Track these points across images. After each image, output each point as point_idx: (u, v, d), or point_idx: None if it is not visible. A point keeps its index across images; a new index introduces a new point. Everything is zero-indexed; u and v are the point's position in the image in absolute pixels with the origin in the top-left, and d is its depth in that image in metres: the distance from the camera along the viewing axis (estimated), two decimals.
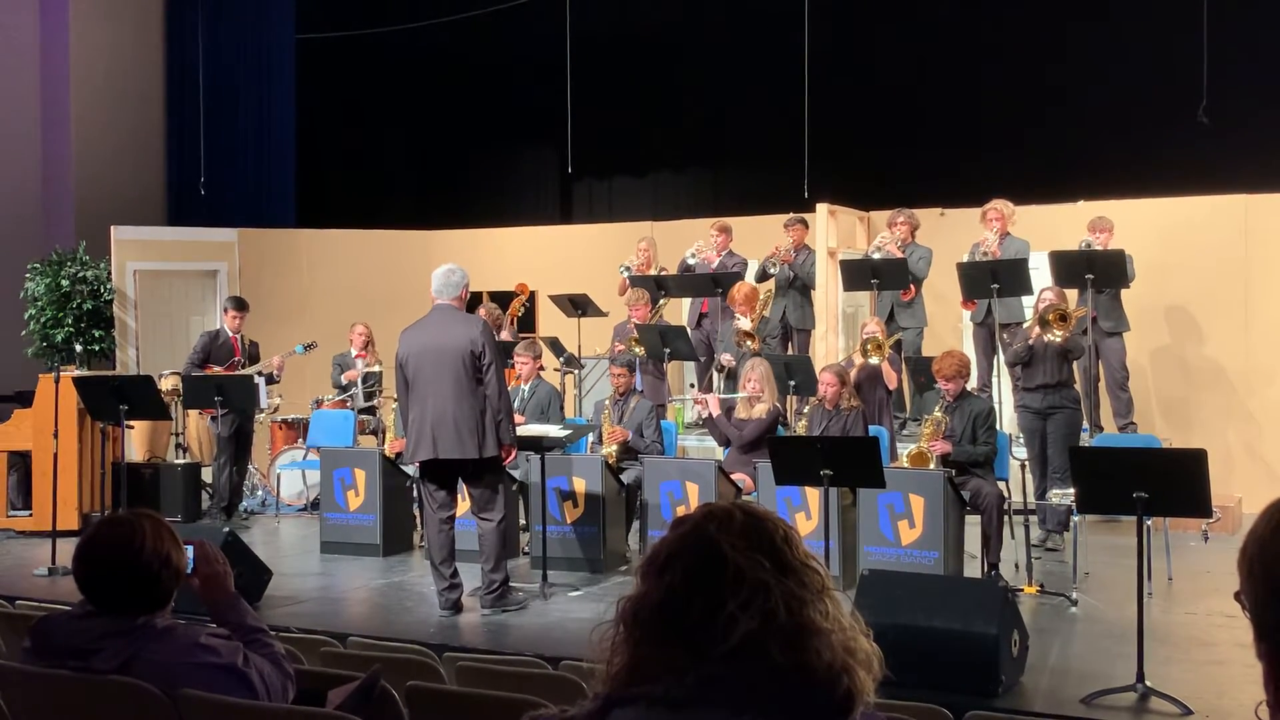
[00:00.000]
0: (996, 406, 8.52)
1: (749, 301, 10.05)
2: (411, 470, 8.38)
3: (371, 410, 10.99)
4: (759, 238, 11.05)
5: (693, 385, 11.25)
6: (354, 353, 11.13)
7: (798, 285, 10.70)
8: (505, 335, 10.45)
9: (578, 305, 11.03)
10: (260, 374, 10.23)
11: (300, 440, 10.97)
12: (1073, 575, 7.48)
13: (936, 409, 7.88)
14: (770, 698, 1.57)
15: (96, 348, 13.06)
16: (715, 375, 10.29)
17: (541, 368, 9.41)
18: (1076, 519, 7.56)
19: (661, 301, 10.81)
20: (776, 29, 12.40)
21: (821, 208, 11.09)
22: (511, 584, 7.15)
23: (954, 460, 7.68)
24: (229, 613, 3.21)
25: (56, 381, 8.78)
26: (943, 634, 5.32)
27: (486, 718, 3.51)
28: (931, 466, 7.60)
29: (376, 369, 11.01)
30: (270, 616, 6.60)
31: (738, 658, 1.58)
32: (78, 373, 10.25)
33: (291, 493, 10.85)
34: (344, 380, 11.04)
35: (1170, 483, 5.56)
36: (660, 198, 14.52)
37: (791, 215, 10.91)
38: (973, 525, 7.69)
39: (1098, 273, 9.10)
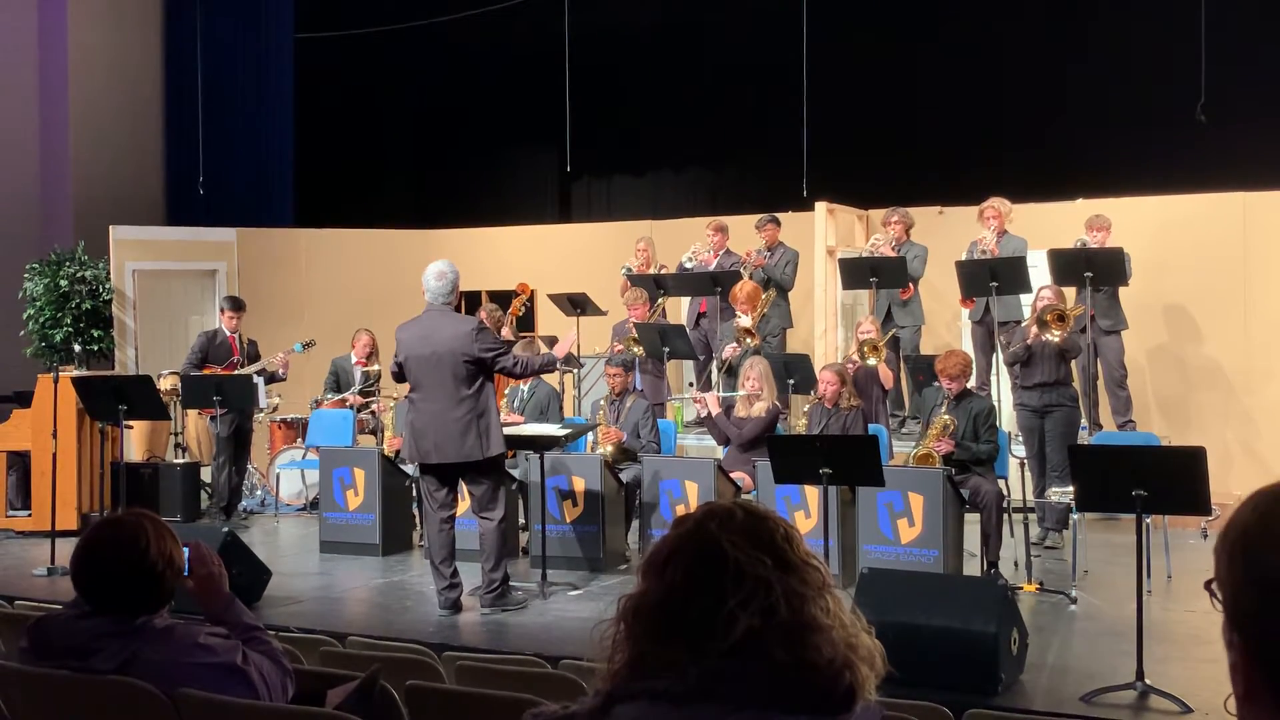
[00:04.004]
0: (995, 404, 8.52)
1: (751, 300, 10.05)
2: (411, 470, 8.38)
3: (371, 411, 11.00)
4: (759, 236, 11.03)
5: (692, 384, 11.25)
6: (354, 358, 11.11)
7: (774, 286, 10.65)
8: (506, 334, 10.45)
9: (577, 304, 11.03)
10: (260, 373, 10.22)
11: (299, 440, 10.97)
12: (1072, 573, 7.49)
13: (943, 410, 7.86)
14: (772, 693, 1.58)
15: (95, 348, 13.06)
16: (715, 373, 10.29)
17: None
18: (1075, 517, 7.57)
19: (660, 300, 10.81)
20: (775, 27, 12.40)
21: (820, 206, 11.09)
22: (511, 583, 7.15)
23: (956, 459, 7.69)
24: (225, 613, 3.21)
25: (55, 381, 8.78)
26: (942, 632, 5.32)
27: (486, 717, 3.50)
28: (937, 466, 7.60)
29: (375, 368, 11.00)
30: (270, 616, 6.60)
31: (739, 654, 1.58)
32: (76, 373, 10.24)
33: (291, 492, 10.85)
34: (347, 402, 10.93)
35: (1169, 480, 5.56)
36: (659, 197, 14.52)
37: (762, 216, 10.90)
38: (972, 523, 7.69)
39: (1096, 271, 9.10)
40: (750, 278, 10.49)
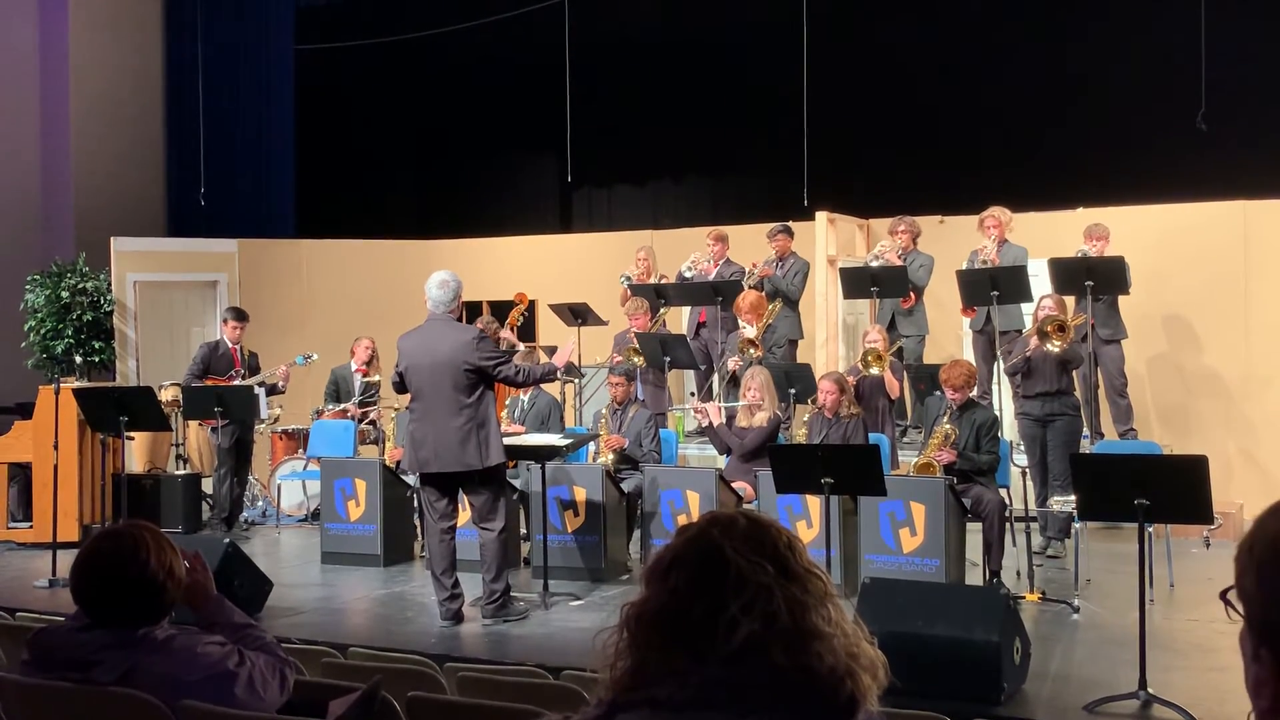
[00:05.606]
0: (997, 414, 8.53)
1: (755, 310, 10.04)
2: (412, 480, 8.38)
3: (372, 421, 11.00)
4: (759, 246, 11.04)
5: (693, 394, 11.24)
6: (354, 366, 11.11)
7: (780, 297, 10.63)
8: (504, 344, 10.45)
9: (578, 314, 11.03)
10: (261, 384, 10.22)
11: (300, 450, 10.97)
12: (1074, 582, 7.47)
13: (945, 419, 7.86)
14: (773, 700, 1.58)
15: (97, 359, 13.06)
16: (717, 383, 10.29)
17: None
18: (1078, 526, 7.56)
19: (662, 310, 10.80)
20: (775, 37, 12.42)
21: (821, 216, 11.09)
22: (513, 594, 7.14)
23: (957, 469, 7.68)
24: (216, 615, 3.21)
25: (57, 393, 8.77)
26: (945, 642, 5.31)
27: None
28: (938, 475, 7.60)
29: (375, 378, 11.01)
30: (271, 627, 6.54)
31: (740, 660, 1.58)
32: (78, 384, 10.24)
33: (292, 503, 10.84)
34: (348, 413, 10.93)
35: (1171, 489, 5.56)
36: (660, 206, 14.54)
37: (774, 225, 10.88)
38: (974, 533, 7.69)
39: (1097, 280, 9.11)
40: (759, 288, 10.49)
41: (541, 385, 9.20)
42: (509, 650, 6.40)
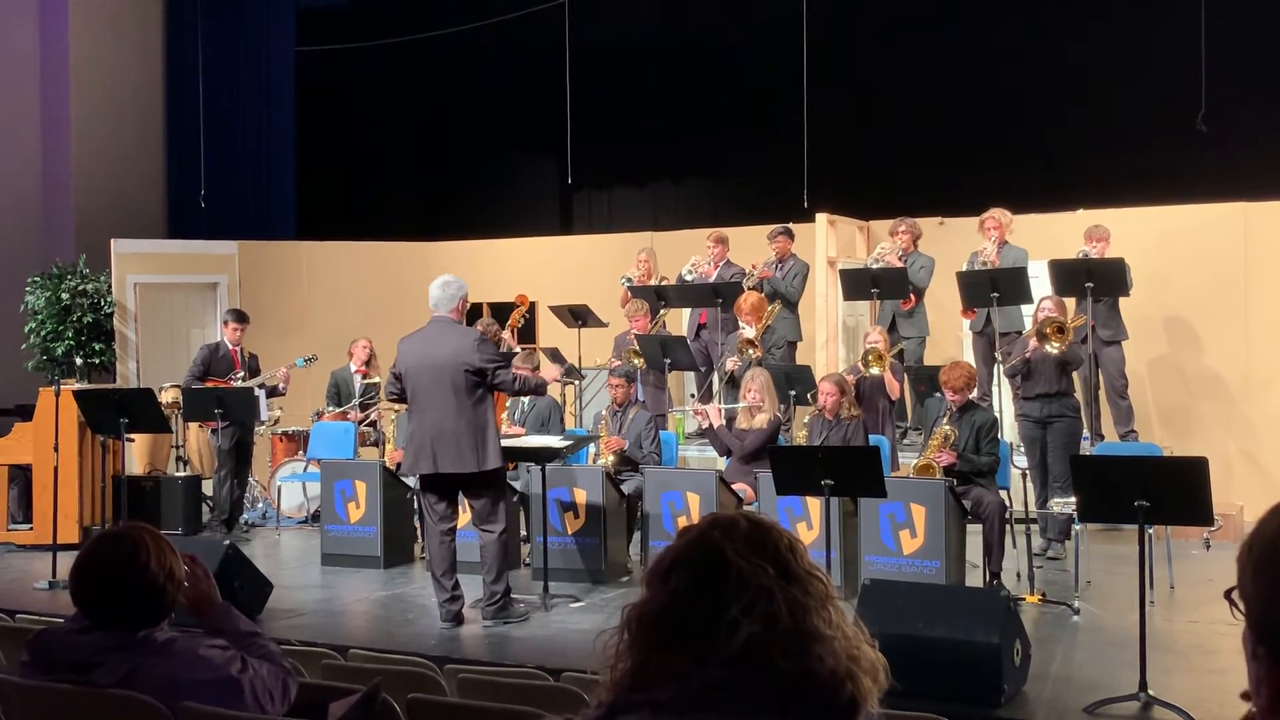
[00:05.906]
0: (997, 415, 8.53)
1: (756, 311, 10.04)
2: (412, 482, 8.38)
3: (372, 423, 11.00)
4: (760, 248, 11.04)
5: (693, 395, 11.24)
6: (353, 367, 11.12)
7: (779, 298, 10.61)
8: (503, 346, 10.44)
9: (578, 316, 11.03)
10: (261, 386, 10.22)
11: (301, 452, 10.97)
12: (1074, 584, 7.47)
13: (944, 421, 7.86)
14: (774, 703, 1.58)
15: (97, 361, 13.07)
16: (717, 384, 10.30)
17: None
18: (1078, 528, 7.56)
19: (662, 312, 10.80)
20: (775, 39, 12.42)
21: (821, 217, 11.09)
22: (513, 595, 7.14)
23: (957, 470, 7.68)
24: (223, 623, 3.21)
25: (57, 395, 8.78)
26: (945, 643, 5.31)
27: None
28: (937, 477, 7.60)
29: (375, 379, 11.01)
30: (271, 629, 6.58)
31: (741, 663, 1.59)
32: (78, 386, 10.24)
33: (292, 505, 10.84)
34: (349, 416, 10.94)
35: (1172, 491, 5.56)
36: (660, 208, 14.55)
37: (774, 227, 10.87)
38: (974, 534, 7.68)
39: (1097, 281, 9.11)
40: (758, 289, 10.47)
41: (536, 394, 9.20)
42: (509, 652, 6.40)
